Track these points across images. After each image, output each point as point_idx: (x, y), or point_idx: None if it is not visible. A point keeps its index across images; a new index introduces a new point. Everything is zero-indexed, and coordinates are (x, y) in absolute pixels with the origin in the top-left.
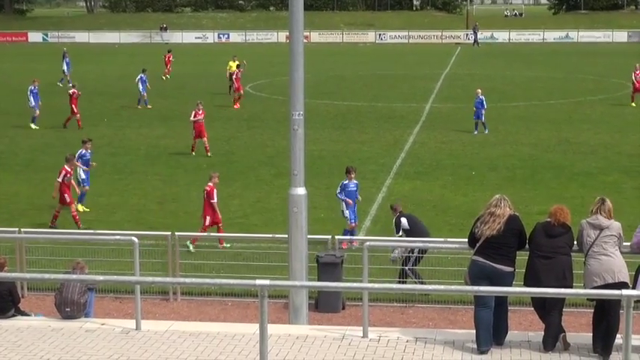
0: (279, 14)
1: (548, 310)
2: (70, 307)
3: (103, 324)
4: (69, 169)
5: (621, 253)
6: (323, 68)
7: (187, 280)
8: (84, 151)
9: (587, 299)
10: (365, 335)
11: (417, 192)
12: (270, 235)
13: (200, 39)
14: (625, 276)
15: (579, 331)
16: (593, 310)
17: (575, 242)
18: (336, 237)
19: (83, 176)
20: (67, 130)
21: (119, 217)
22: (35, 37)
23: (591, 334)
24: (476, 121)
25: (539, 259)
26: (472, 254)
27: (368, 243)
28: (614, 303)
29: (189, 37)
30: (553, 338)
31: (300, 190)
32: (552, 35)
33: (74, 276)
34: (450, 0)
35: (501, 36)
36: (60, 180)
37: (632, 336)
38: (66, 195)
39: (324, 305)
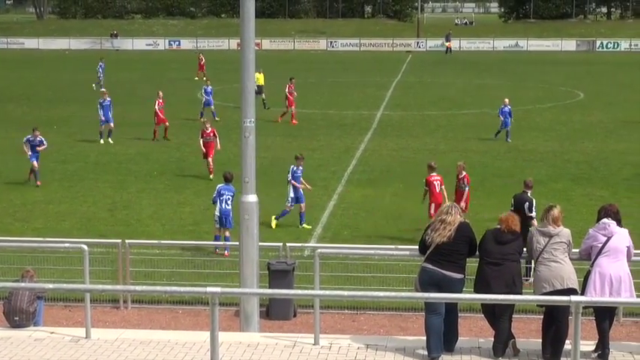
0: (230, 21)
1: (498, 317)
2: (18, 315)
3: (52, 332)
4: None
5: (570, 259)
6: (274, 75)
7: (138, 287)
8: (295, 168)
9: (537, 305)
10: (316, 342)
11: (368, 199)
12: (221, 243)
13: (151, 46)
14: (574, 282)
15: (529, 337)
16: (542, 317)
17: (525, 249)
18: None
19: (292, 194)
20: (18, 137)
21: (69, 224)
22: None
23: (541, 340)
24: (500, 130)
25: (488, 266)
26: (422, 261)
27: (319, 250)
28: (562, 309)
29: (139, 43)
30: (503, 344)
31: (252, 198)
32: (502, 44)
33: (23, 284)
34: (401, 8)
35: (452, 44)
36: None
37: (581, 342)
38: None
39: (276, 313)
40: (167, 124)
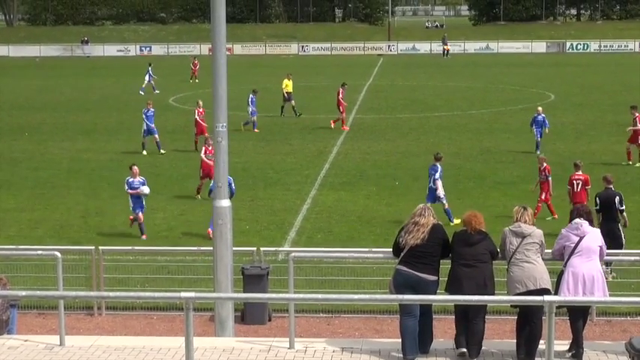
0: (201, 26)
1: (472, 318)
2: None
3: (26, 340)
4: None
5: (543, 259)
6: (246, 80)
7: (112, 294)
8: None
9: (511, 306)
10: (291, 346)
11: (341, 202)
12: (195, 248)
13: (122, 52)
14: (547, 282)
15: (503, 338)
16: (516, 317)
17: (498, 249)
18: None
19: (441, 194)
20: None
21: (42, 232)
22: None
23: (515, 341)
24: (538, 141)
25: (460, 267)
26: (396, 263)
27: (293, 254)
28: (536, 309)
29: (110, 50)
30: (477, 345)
31: (225, 203)
32: (473, 46)
33: None
34: (372, 12)
35: (423, 47)
36: None
37: (555, 341)
38: None
39: (250, 317)
40: (207, 134)
